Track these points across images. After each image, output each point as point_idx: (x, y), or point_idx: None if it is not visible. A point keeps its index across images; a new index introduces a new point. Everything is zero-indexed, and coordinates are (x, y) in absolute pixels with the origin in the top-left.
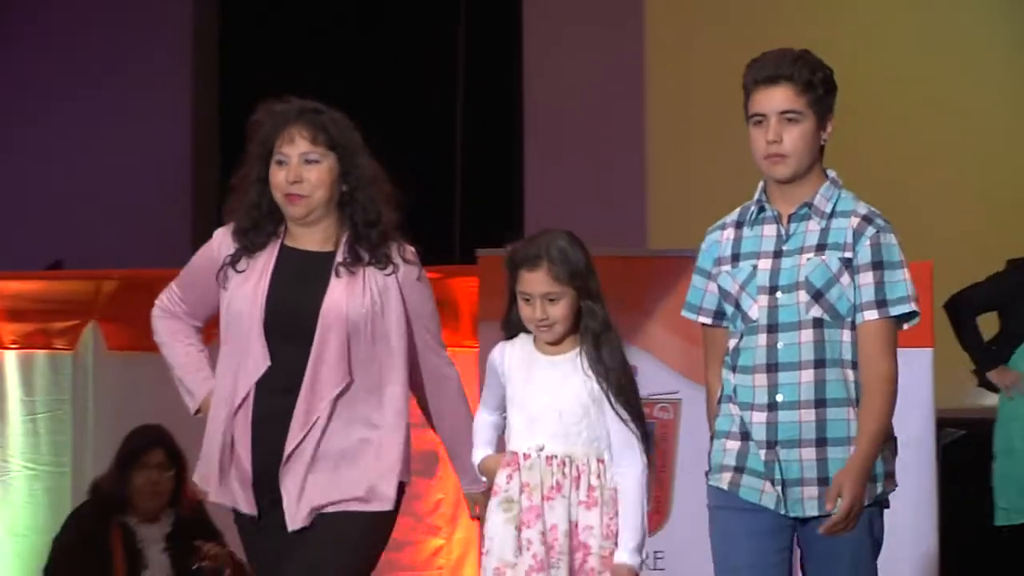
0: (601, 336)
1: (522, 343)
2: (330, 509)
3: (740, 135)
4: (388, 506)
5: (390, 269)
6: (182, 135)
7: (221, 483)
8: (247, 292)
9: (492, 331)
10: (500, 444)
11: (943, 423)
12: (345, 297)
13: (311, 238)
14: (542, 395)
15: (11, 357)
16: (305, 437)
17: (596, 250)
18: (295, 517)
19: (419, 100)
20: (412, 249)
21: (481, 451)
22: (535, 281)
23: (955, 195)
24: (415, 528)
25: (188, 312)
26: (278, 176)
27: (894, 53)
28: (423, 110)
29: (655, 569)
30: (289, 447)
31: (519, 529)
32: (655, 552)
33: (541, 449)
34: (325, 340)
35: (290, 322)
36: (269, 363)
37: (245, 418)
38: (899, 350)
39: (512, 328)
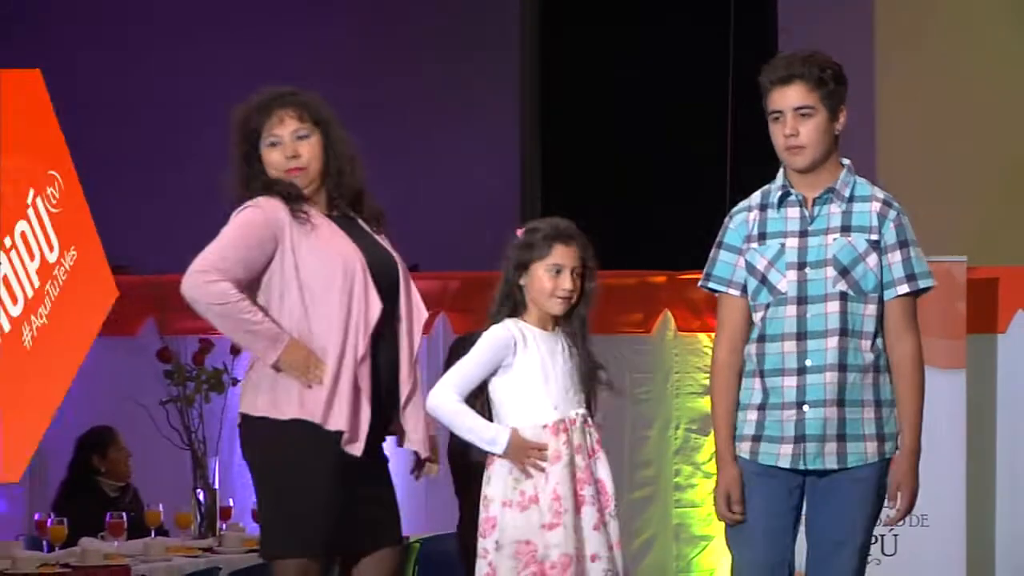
0: (579, 328)
1: (516, 321)
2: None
3: (969, 135)
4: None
5: (378, 228)
6: (511, 169)
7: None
8: (333, 247)
9: None
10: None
11: None
12: (393, 249)
13: (316, 208)
14: (562, 364)
15: None
16: (414, 376)
17: None
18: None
19: (694, 119)
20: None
21: (498, 424)
22: (569, 255)
23: None
24: (694, 474)
25: (233, 276)
26: (273, 156)
27: None
28: (697, 130)
29: (922, 526)
30: (404, 389)
31: (576, 487)
32: (921, 515)
33: (580, 413)
34: (407, 286)
35: (383, 273)
36: (381, 306)
37: (367, 366)
38: None
39: (510, 304)
